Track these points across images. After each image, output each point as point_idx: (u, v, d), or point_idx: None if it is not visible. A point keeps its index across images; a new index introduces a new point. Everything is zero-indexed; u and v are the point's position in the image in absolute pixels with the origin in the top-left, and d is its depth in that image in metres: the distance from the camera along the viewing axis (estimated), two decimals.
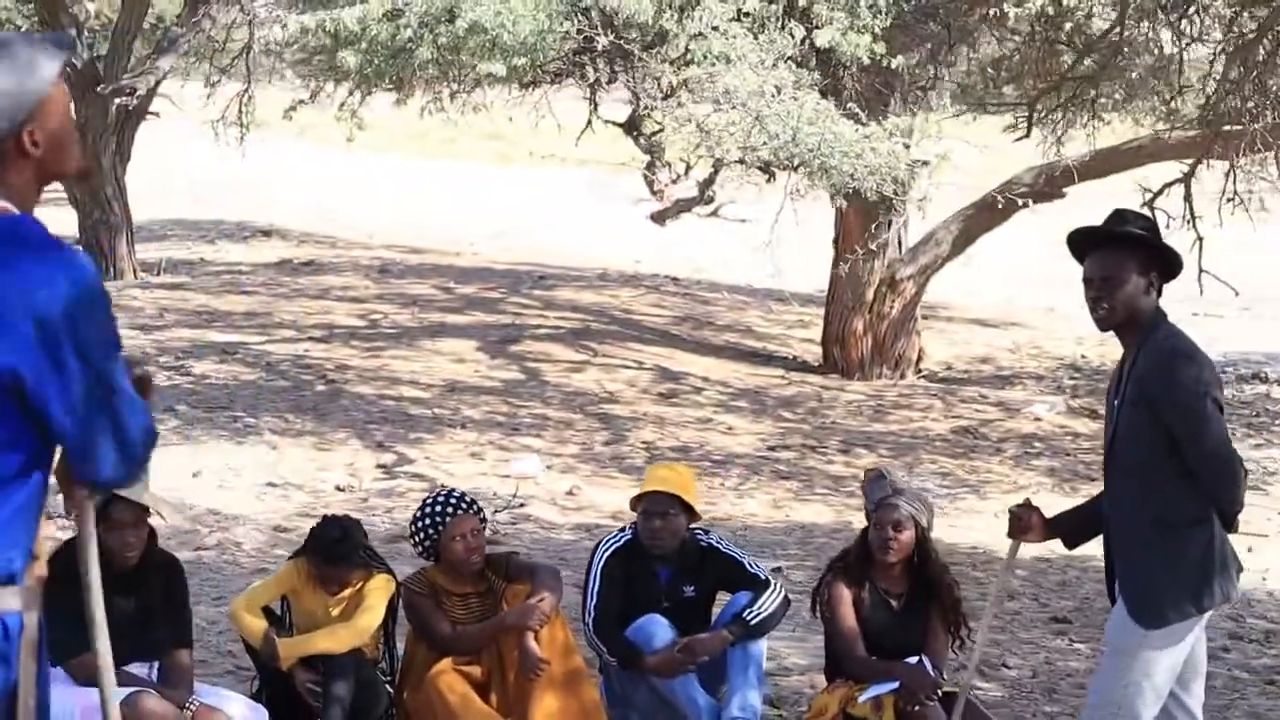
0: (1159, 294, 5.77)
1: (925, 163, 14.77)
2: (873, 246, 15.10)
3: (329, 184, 32.43)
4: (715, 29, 11.51)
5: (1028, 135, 15.97)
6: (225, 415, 13.76)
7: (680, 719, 7.40)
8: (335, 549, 7.22)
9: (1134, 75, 14.78)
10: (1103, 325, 5.82)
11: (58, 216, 22.05)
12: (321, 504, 11.03)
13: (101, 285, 3.68)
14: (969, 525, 11.79)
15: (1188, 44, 13.98)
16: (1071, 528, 6.25)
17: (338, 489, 11.83)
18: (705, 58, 11.60)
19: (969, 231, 16.56)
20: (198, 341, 16.86)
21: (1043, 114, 15.54)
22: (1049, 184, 15.88)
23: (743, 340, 18.89)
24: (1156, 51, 14.29)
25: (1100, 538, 5.96)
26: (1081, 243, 5.87)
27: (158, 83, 19.72)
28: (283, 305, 19.33)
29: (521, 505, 11.63)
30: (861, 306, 16.67)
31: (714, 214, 16.52)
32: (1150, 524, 5.67)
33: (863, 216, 15.35)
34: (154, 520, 6.83)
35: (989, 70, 16.86)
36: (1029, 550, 9.99)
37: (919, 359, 17.28)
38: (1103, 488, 6.00)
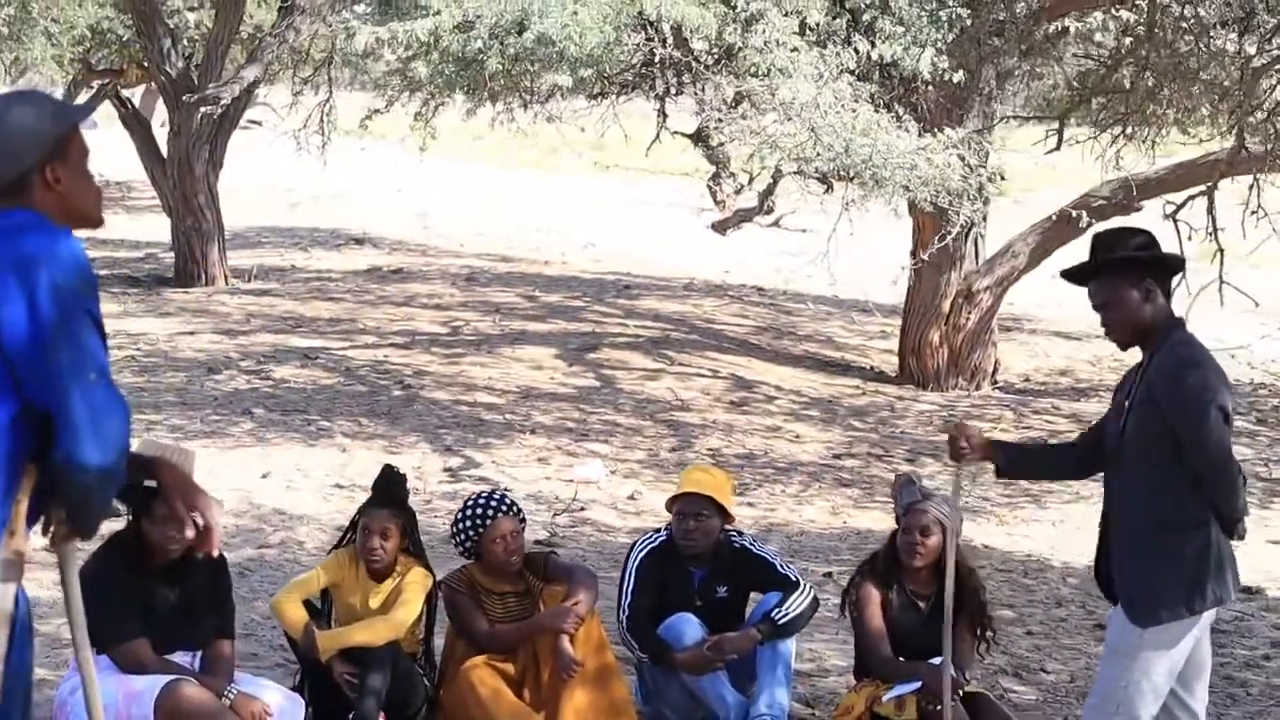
0: (1166, 295, 5.94)
1: (1001, 176, 14.89)
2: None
3: (428, 193, 32.89)
4: (778, 43, 11.68)
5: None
6: (300, 418, 14.03)
7: (710, 715, 7.58)
8: (384, 489, 7.57)
9: (1197, 89, 14.81)
10: (1121, 346, 6.06)
11: (154, 223, 22.57)
12: None
13: (90, 272, 4.05)
14: (1026, 534, 11.87)
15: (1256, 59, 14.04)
16: (1012, 460, 6.68)
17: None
18: (767, 71, 11.76)
19: (1046, 244, 16.63)
20: (280, 346, 17.19)
21: (1104, 127, 15.64)
22: (1126, 197, 15.94)
23: (822, 350, 19.00)
24: (1224, 65, 14.30)
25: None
26: (1077, 277, 6.09)
27: (245, 92, 20.03)
28: (367, 312, 19.64)
29: (582, 509, 11.82)
30: (938, 318, 16.78)
31: (775, 224, 16.66)
32: (1153, 525, 5.79)
33: (939, 229, 15.46)
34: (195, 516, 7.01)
35: (1062, 85, 16.93)
36: (1083, 558, 10.14)
37: (995, 370, 17.35)
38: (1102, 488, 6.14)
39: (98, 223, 4.43)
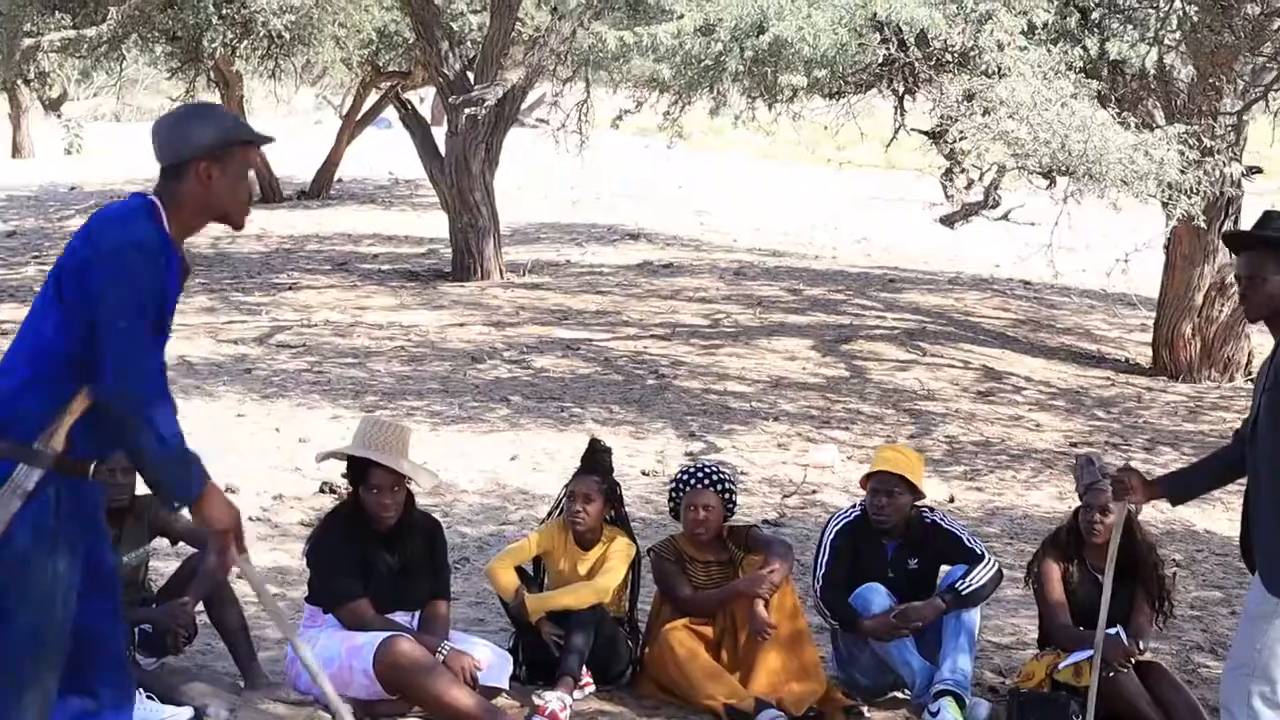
0: None
1: (1257, 169, 14.98)
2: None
3: (709, 190, 33.52)
4: (1000, 45, 12.01)
5: None
6: (554, 405, 14.70)
7: (898, 680, 8.03)
8: (590, 458, 8.23)
9: None
10: (1249, 318, 6.34)
11: (437, 220, 23.49)
12: (625, 487, 11.78)
13: (138, 252, 4.94)
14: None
15: None
16: (1176, 488, 6.80)
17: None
18: (998, 70, 12.11)
19: None
20: (544, 338, 17.90)
21: None
22: None
23: (1078, 343, 19.17)
24: None
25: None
26: (1232, 243, 6.38)
27: (519, 92, 20.77)
28: (633, 305, 20.28)
29: (813, 492, 12.27)
30: (1190, 310, 16.89)
31: (1004, 218, 16.91)
32: None
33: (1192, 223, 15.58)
34: (411, 486, 7.65)
35: None
36: None
37: (1248, 362, 17.37)
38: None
39: (237, 225, 5.20)
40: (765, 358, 17.20)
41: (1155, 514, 11.84)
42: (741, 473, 12.65)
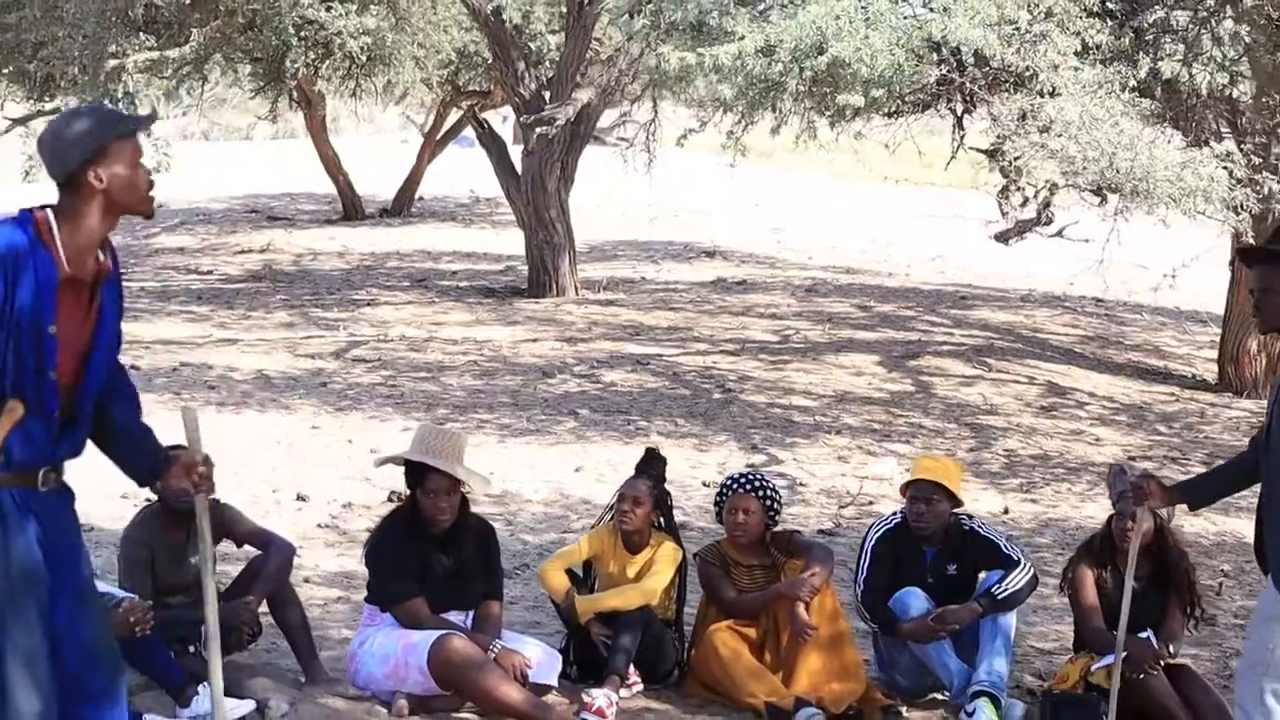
0: None
1: None
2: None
3: (785, 208, 33.79)
4: (1054, 66, 12.26)
5: None
6: (621, 419, 15.01)
7: (937, 682, 8.30)
8: (644, 464, 8.58)
9: None
10: (1261, 329, 6.59)
11: (516, 238, 23.86)
12: (685, 497, 12.11)
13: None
14: None
15: None
16: (1193, 494, 7.03)
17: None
18: (1053, 91, 12.35)
19: None
20: (615, 353, 18.23)
21: None
22: None
23: (1145, 359, 19.34)
24: None
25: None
26: (1246, 257, 6.63)
27: (584, 112, 21.09)
28: (705, 321, 20.59)
29: (870, 503, 12.51)
30: (1255, 326, 16.99)
31: (1058, 234, 17.11)
32: None
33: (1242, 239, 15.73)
34: (466, 491, 7.98)
35: None
36: None
37: None
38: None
39: (146, 214, 5.35)
40: (832, 373, 17.46)
41: (1207, 525, 12.07)
42: (800, 484, 12.93)
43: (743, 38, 13.22)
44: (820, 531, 11.42)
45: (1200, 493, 7.11)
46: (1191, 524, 11.93)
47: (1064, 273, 25.03)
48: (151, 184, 5.33)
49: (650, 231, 30.16)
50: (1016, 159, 12.90)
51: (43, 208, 5.21)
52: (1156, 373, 18.51)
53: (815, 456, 13.90)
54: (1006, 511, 12.34)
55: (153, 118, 5.62)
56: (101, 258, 5.32)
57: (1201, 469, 13.99)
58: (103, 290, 5.36)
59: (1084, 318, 21.95)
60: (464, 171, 34.77)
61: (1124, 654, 7.66)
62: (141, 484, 5.80)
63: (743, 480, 8.50)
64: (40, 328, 5.12)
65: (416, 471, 7.83)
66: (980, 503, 12.36)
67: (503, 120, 34.75)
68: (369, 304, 21.68)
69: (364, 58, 22.72)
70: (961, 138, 16.18)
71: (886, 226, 31.51)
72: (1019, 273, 26.10)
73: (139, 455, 5.63)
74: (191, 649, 7.65)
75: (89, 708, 5.39)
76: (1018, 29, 12.71)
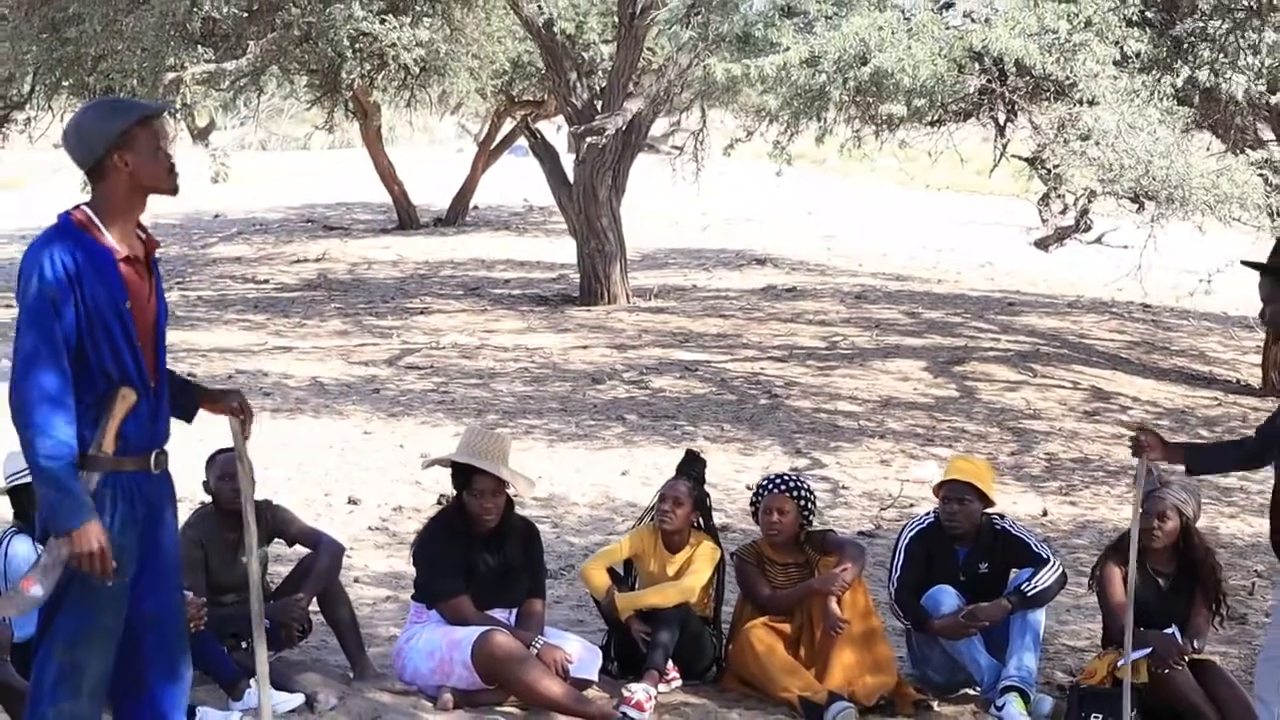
0: None
1: None
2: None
3: (838, 215, 33.97)
4: (1093, 75, 12.45)
5: None
6: (668, 423, 15.25)
7: (969, 677, 8.51)
8: (684, 465, 8.81)
9: None
10: (1273, 340, 6.80)
11: (564, 247, 24.14)
12: (729, 500, 12.34)
13: (26, 280, 5.48)
14: None
15: None
16: (1195, 458, 7.32)
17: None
18: (1092, 100, 12.55)
19: None
20: (664, 359, 18.49)
21: None
22: None
23: (1191, 364, 19.47)
24: None
25: None
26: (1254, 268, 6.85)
27: (635, 122, 21.35)
28: (754, 328, 20.82)
29: (911, 505, 12.70)
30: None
31: (1097, 241, 17.28)
32: None
33: None
34: (510, 491, 8.24)
35: None
36: None
37: None
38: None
39: (169, 191, 5.66)
40: (878, 379, 17.66)
41: (1243, 526, 12.25)
42: (843, 487, 13.15)
43: (788, 49, 13.44)
44: (860, 533, 11.62)
45: (1201, 459, 7.39)
46: (1227, 525, 12.12)
47: (1113, 278, 25.23)
48: (173, 164, 5.67)
49: (704, 239, 30.42)
50: (1056, 166, 13.09)
51: (76, 207, 5.59)
52: (1201, 377, 18.65)
53: (858, 460, 14.11)
54: (1045, 513, 12.53)
55: (169, 105, 6.03)
56: (143, 235, 5.70)
57: (1237, 472, 14.16)
58: (153, 265, 5.77)
59: (1130, 323, 22.10)
60: (518, 180, 35.10)
61: (1134, 650, 7.87)
62: (187, 421, 6.08)
63: (779, 481, 8.73)
64: (118, 307, 5.50)
65: (463, 473, 8.09)
66: (1019, 505, 12.56)
67: (557, 130, 35.04)
68: (422, 312, 22.01)
69: (418, 69, 22.99)
70: (1004, 146, 16.37)
71: (938, 233, 31.66)
72: (1068, 279, 26.24)
73: (182, 396, 5.97)
74: (244, 644, 7.89)
75: (161, 686, 5.76)
76: (1057, 38, 12.91)
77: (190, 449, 7.58)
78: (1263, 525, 11.90)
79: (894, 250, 29.78)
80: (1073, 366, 18.62)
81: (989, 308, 22.80)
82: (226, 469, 8.07)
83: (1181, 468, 7.44)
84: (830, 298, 23.57)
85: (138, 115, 5.56)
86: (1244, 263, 6.86)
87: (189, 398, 6.02)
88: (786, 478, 8.84)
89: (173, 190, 5.66)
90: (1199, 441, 7.61)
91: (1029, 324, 21.43)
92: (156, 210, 33.77)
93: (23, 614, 5.97)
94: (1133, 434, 7.36)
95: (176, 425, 5.87)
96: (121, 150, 5.51)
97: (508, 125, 32.06)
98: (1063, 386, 17.58)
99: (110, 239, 5.53)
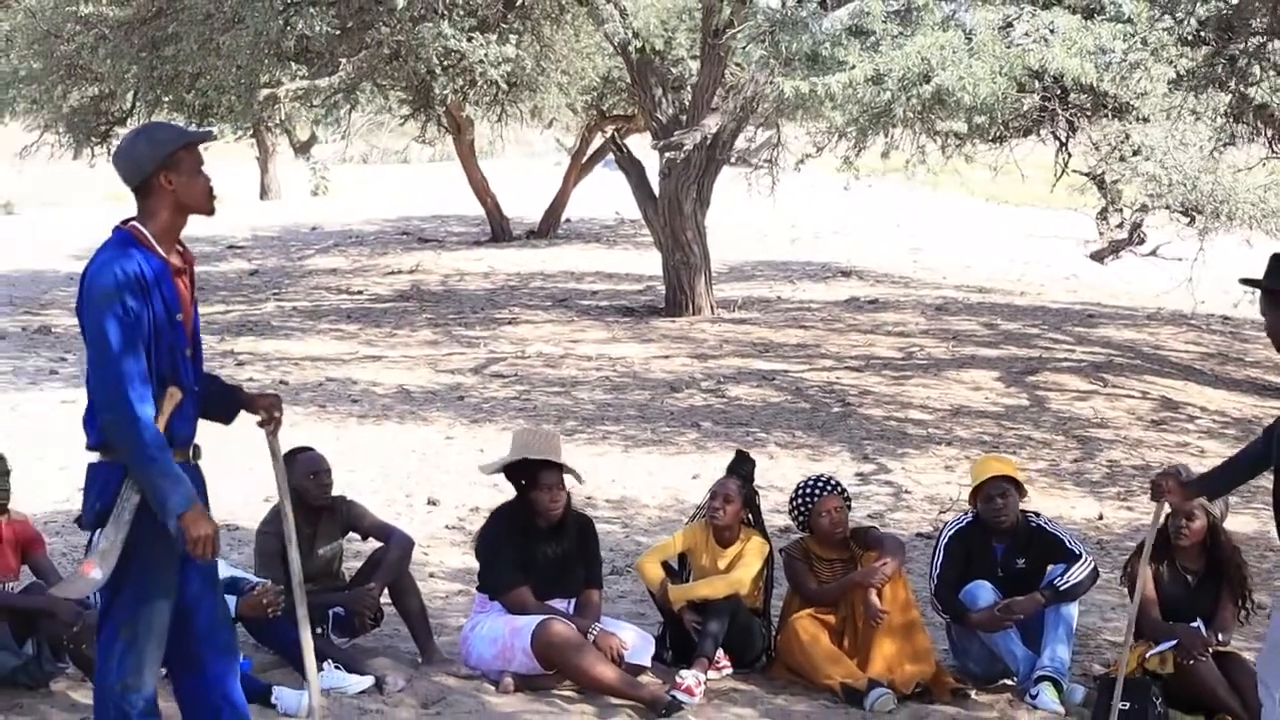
0: None
1: None
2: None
3: (926, 228, 34.30)
4: (1143, 94, 12.86)
5: None
6: (741, 430, 15.72)
7: (1005, 667, 8.96)
8: (735, 465, 9.37)
9: None
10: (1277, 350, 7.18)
11: (652, 259, 24.64)
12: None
13: (103, 286, 5.92)
14: None
15: None
16: (1209, 486, 7.66)
17: None
18: (1146, 118, 12.95)
19: None
20: (743, 369, 18.96)
21: None
22: None
23: (1265, 375, 19.72)
24: None
25: None
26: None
27: (718, 137, 21.83)
28: (833, 339, 21.26)
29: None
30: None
31: (1152, 253, 17.60)
32: None
33: None
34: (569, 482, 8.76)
35: None
36: None
37: None
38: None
39: (207, 211, 6.16)
40: (951, 388, 18.05)
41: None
42: (905, 491, 13.58)
43: (854, 67, 13.90)
44: (919, 534, 12.05)
45: (1215, 484, 7.73)
46: (1264, 522, 12.45)
47: (1197, 291, 25.48)
48: (211, 187, 6.17)
49: (791, 252, 30.83)
50: (1114, 182, 13.48)
51: (126, 221, 6.09)
52: (1273, 388, 18.90)
53: (923, 466, 14.52)
54: (1101, 518, 12.90)
55: (210, 133, 6.49)
56: (181, 249, 6.18)
57: None
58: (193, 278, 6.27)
59: (1208, 335, 22.35)
60: (610, 193, 35.63)
61: (1176, 642, 8.32)
62: (226, 423, 6.57)
63: (822, 484, 9.17)
64: (172, 315, 6.02)
65: (525, 470, 8.61)
66: (1077, 509, 12.96)
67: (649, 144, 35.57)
68: (510, 323, 22.58)
69: (507, 84, 23.57)
70: (1066, 161, 16.75)
71: (1024, 246, 31.95)
72: (1151, 291, 26.45)
73: (220, 400, 6.48)
74: (318, 630, 8.43)
75: (214, 658, 6.26)
76: (1114, 58, 13.31)
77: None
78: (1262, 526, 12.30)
79: (978, 262, 30.08)
80: (1145, 377, 18.92)
81: (1067, 319, 23.11)
82: (309, 467, 8.65)
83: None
84: (911, 309, 23.94)
85: (184, 140, 6.07)
86: (1241, 280, 7.20)
87: (231, 400, 6.52)
88: (829, 480, 9.29)
89: (209, 210, 6.16)
90: (1207, 470, 7.93)
91: (1105, 335, 21.73)
92: (255, 224, 34.54)
93: (83, 596, 6.56)
94: (1153, 480, 7.76)
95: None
96: (168, 170, 6.01)
97: (599, 140, 32.60)
98: (1132, 396, 17.90)
99: (159, 250, 6.02)
